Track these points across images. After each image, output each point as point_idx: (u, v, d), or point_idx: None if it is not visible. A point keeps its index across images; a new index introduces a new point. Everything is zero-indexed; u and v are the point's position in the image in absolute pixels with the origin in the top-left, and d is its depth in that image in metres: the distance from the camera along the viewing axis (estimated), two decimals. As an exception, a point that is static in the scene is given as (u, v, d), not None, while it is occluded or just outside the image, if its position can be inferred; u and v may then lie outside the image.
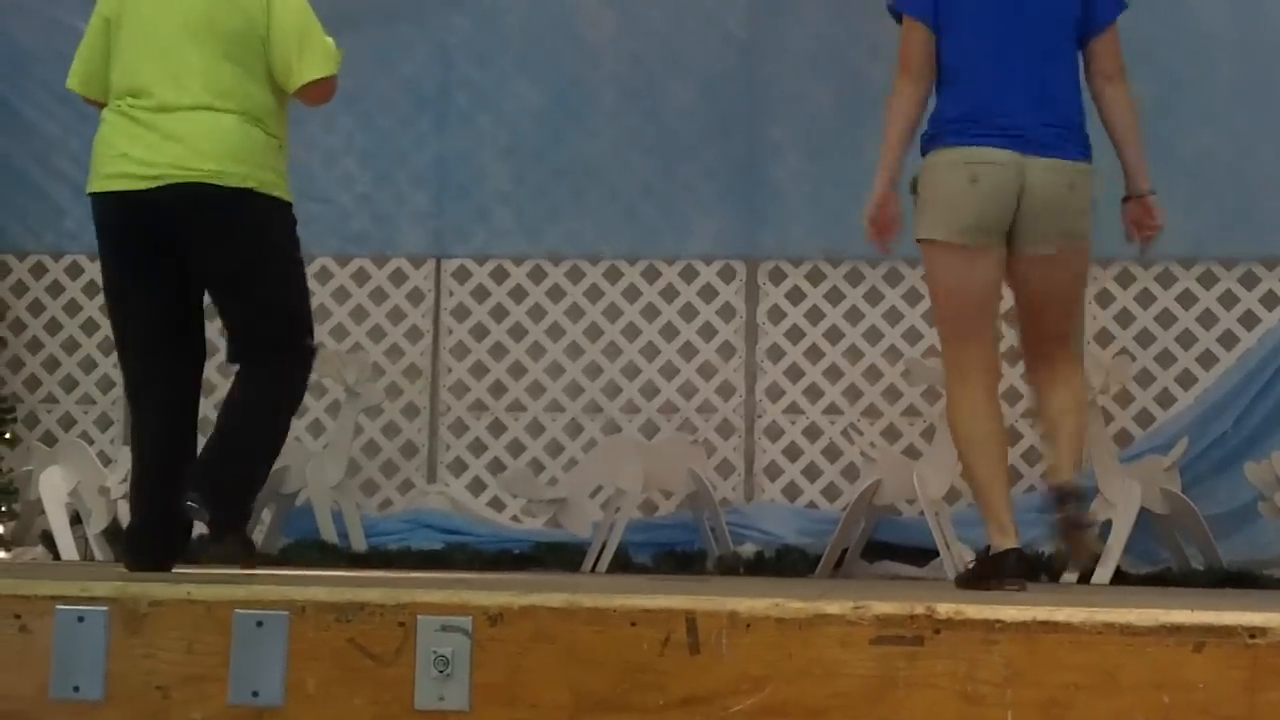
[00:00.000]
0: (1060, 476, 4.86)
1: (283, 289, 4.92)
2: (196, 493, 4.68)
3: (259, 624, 2.97)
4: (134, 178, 4.74)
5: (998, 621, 2.78)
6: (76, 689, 3.01)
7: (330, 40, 4.90)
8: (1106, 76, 4.95)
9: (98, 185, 4.86)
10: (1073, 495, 4.79)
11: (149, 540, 4.80)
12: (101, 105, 4.98)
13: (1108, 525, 6.59)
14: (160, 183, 4.71)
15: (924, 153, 4.94)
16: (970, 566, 4.91)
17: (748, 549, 7.12)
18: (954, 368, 4.91)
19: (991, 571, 4.69)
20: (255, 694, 2.96)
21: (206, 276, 4.85)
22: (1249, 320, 7.36)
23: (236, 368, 4.97)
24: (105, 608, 3.02)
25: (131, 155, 4.76)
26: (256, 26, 4.79)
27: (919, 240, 4.91)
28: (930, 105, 4.99)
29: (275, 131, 4.87)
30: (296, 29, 4.81)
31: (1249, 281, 7.39)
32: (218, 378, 6.52)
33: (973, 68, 4.86)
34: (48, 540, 7.33)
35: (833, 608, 2.84)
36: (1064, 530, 4.86)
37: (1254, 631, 2.70)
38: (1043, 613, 2.77)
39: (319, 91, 4.90)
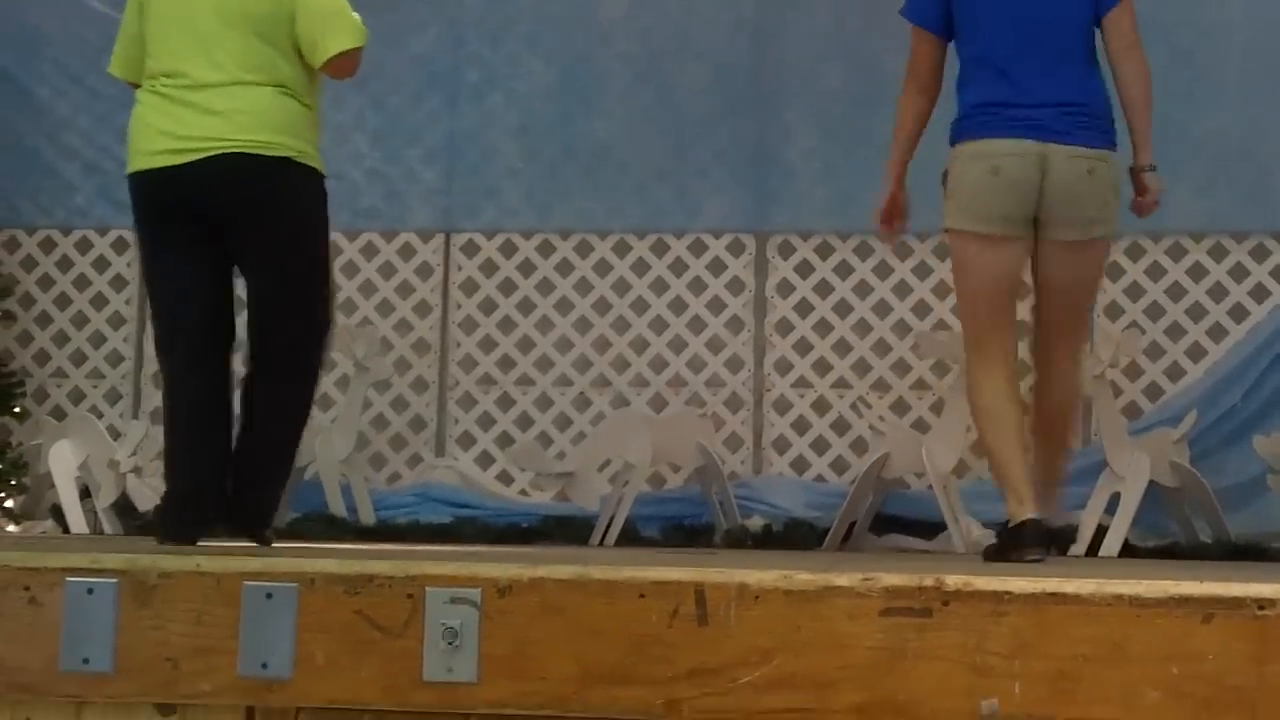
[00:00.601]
0: (1032, 510, 4.93)
1: (311, 260, 4.98)
2: (250, 517, 4.87)
3: (268, 596, 2.97)
4: (175, 153, 4.79)
5: (1006, 593, 2.77)
6: (86, 661, 3.01)
7: (356, 16, 4.95)
8: (1120, 51, 5.01)
9: (138, 164, 4.88)
10: (1034, 535, 4.78)
11: (182, 515, 4.84)
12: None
13: (1117, 497, 6.59)
14: (201, 155, 4.76)
15: (951, 145, 5.02)
16: (993, 543, 4.97)
17: (756, 522, 7.12)
18: (974, 349, 4.99)
19: (1012, 542, 4.74)
20: (264, 665, 2.96)
21: (242, 247, 4.89)
22: (1259, 293, 7.35)
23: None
24: (114, 580, 3.02)
25: (171, 132, 4.80)
26: (286, 6, 4.85)
27: (947, 229, 5.01)
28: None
29: (307, 103, 4.94)
30: (324, 6, 4.88)
31: (1259, 255, 7.38)
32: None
33: (990, 62, 4.93)
34: (57, 514, 7.36)
35: (841, 580, 2.83)
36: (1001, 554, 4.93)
37: (1263, 603, 2.70)
38: (1051, 584, 2.76)
39: (344, 65, 4.95)
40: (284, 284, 4.92)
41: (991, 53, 4.93)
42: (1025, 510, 4.76)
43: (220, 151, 4.76)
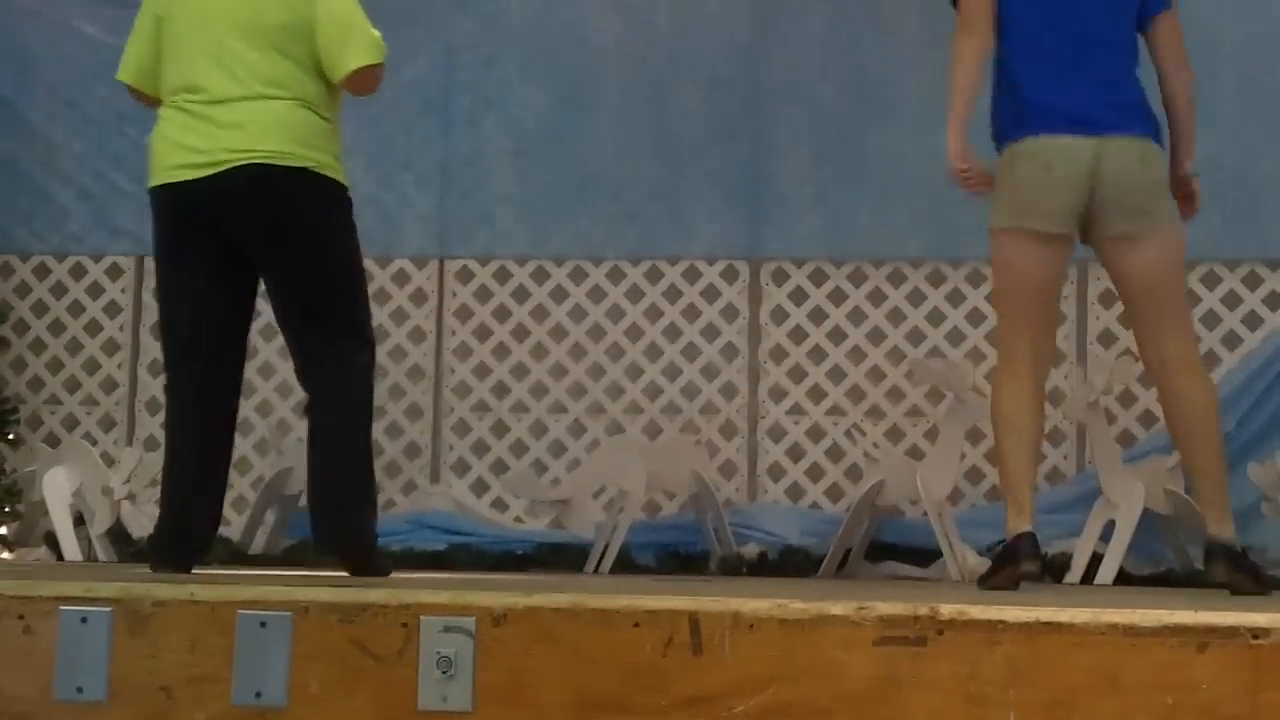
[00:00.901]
0: (1213, 529, 4.87)
1: (338, 271, 4.94)
2: (331, 541, 4.82)
3: (262, 624, 2.96)
4: (194, 167, 4.80)
5: (1001, 622, 2.77)
6: (80, 690, 3.00)
7: (376, 32, 4.94)
8: (1172, 58, 5.08)
9: (159, 179, 4.89)
10: (1229, 553, 4.78)
11: (175, 541, 4.82)
12: (149, 100, 5.06)
13: (1111, 525, 6.59)
14: (220, 168, 4.77)
15: (998, 148, 5.01)
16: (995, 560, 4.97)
17: (751, 550, 7.11)
18: (1005, 351, 4.98)
19: (1009, 554, 4.73)
20: (259, 695, 2.96)
21: (267, 261, 4.88)
22: (1252, 321, 7.35)
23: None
24: (109, 608, 3.02)
25: (191, 146, 4.81)
26: (304, 19, 4.85)
27: (993, 229, 4.96)
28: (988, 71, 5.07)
29: (327, 115, 4.95)
30: (341, 20, 4.87)
31: (1252, 282, 7.39)
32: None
33: (1032, 60, 4.94)
34: (51, 541, 7.34)
35: (836, 608, 2.83)
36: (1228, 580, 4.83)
37: (1257, 632, 2.70)
38: (1046, 613, 2.76)
39: (364, 80, 4.94)
40: (313, 298, 4.90)
41: (1032, 50, 4.94)
42: (1023, 522, 4.75)
43: (239, 163, 4.77)
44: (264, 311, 8.01)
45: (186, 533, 4.85)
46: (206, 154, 4.79)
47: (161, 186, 4.87)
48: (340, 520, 4.85)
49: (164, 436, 5.01)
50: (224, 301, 4.89)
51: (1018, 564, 4.68)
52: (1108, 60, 4.94)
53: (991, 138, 5.04)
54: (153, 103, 5.05)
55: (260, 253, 4.86)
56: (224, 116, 4.81)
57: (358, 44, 4.87)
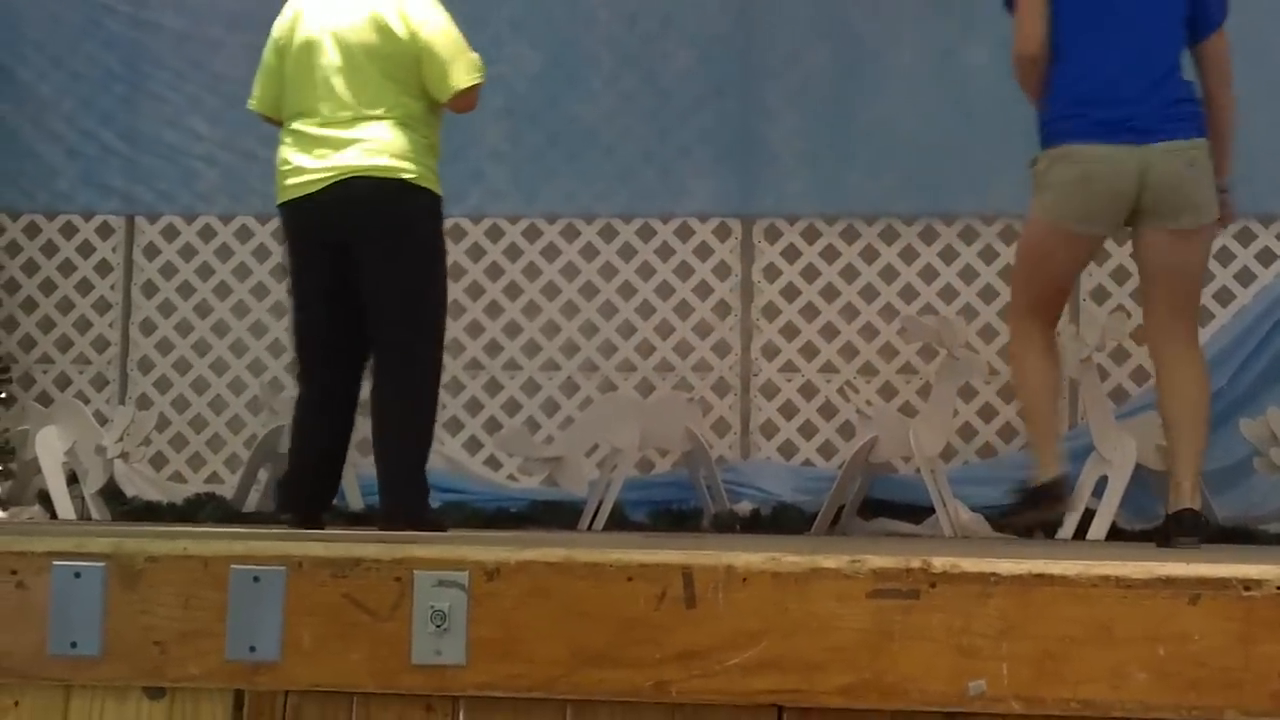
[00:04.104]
0: (1180, 499, 4.91)
1: (422, 270, 5.45)
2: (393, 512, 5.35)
3: (256, 579, 2.96)
4: (305, 184, 5.41)
5: (993, 575, 2.77)
6: (74, 645, 3.00)
7: (474, 54, 5.52)
8: (1213, 80, 5.19)
9: (280, 198, 5.53)
10: (1192, 524, 4.83)
11: (302, 492, 5.44)
12: (276, 122, 5.62)
13: (1104, 481, 6.61)
14: (326, 183, 5.35)
15: (1045, 142, 5.04)
16: (1016, 500, 5.17)
17: (744, 507, 7.13)
18: (1017, 328, 5.18)
19: (1029, 500, 5.02)
20: (252, 649, 2.96)
21: (363, 261, 5.37)
22: (1245, 277, 7.35)
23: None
24: (102, 564, 3.02)
25: (302, 167, 5.42)
26: (409, 48, 5.44)
27: (1032, 214, 5.11)
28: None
29: (424, 133, 5.49)
30: (445, 48, 5.48)
31: (1245, 238, 7.38)
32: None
33: (1081, 53, 4.97)
34: (44, 500, 7.35)
35: (829, 562, 2.83)
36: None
37: (1249, 584, 2.70)
38: (1038, 565, 2.76)
39: (467, 99, 5.54)
40: (396, 296, 5.40)
41: (1080, 41, 4.98)
42: (1048, 472, 4.96)
43: (339, 178, 5.34)
44: (255, 271, 8.01)
45: (314, 491, 5.50)
46: (315, 172, 5.37)
47: (282, 205, 5.52)
48: (394, 494, 5.40)
49: (294, 413, 5.62)
50: (346, 300, 5.40)
51: (1054, 504, 5.00)
52: (1156, 60, 4.98)
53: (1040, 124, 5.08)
54: (279, 124, 5.60)
55: (357, 252, 5.37)
56: (333, 137, 5.37)
57: (461, 68, 5.49)
